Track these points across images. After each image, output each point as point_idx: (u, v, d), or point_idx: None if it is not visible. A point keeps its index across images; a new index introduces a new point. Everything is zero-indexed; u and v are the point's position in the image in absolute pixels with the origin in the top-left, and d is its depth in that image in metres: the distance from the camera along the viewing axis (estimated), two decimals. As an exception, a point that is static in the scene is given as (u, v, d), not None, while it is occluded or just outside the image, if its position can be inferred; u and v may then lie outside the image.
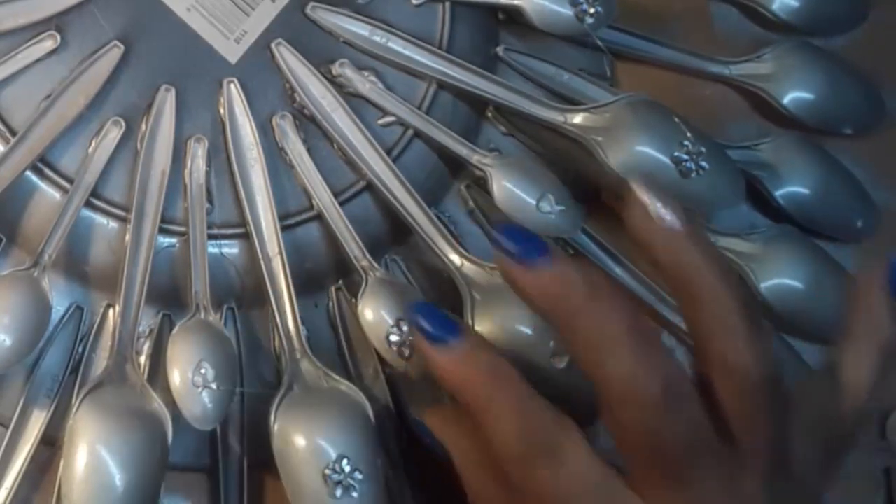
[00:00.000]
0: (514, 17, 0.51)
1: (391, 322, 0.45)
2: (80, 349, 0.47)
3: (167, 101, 0.47)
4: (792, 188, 0.53)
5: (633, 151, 0.47)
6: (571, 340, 0.39)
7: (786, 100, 0.53)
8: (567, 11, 0.50)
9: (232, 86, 0.48)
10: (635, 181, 0.40)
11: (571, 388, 0.45)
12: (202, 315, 0.45)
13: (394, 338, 0.45)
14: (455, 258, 0.47)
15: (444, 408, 0.45)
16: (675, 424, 0.38)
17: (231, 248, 0.47)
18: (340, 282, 0.49)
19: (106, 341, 0.46)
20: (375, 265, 0.47)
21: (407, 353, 0.45)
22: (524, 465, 0.39)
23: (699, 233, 0.40)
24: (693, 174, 0.47)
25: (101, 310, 0.47)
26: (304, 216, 0.48)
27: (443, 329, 0.41)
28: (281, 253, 0.46)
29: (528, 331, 0.45)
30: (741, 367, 0.39)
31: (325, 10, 0.49)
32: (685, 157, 0.47)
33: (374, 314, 0.45)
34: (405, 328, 0.45)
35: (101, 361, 0.46)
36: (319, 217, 0.48)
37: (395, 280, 0.48)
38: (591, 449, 0.39)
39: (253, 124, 0.47)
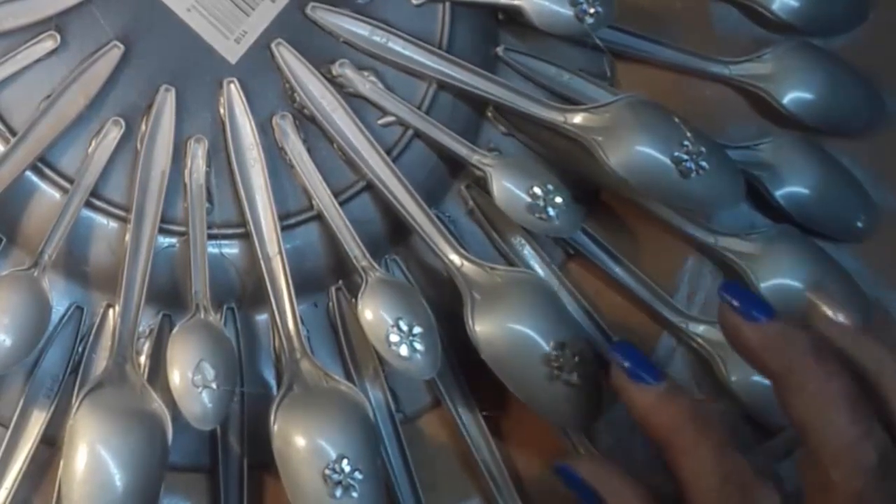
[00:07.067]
0: (514, 17, 0.51)
1: (391, 322, 0.45)
2: (80, 349, 0.47)
3: (167, 101, 0.47)
4: (792, 188, 0.53)
5: (633, 151, 0.47)
6: (791, 396, 0.40)
7: (786, 100, 0.53)
8: (567, 11, 0.50)
9: (232, 86, 0.48)
10: (812, 294, 0.43)
11: (571, 387, 0.45)
12: (202, 315, 0.45)
13: (393, 338, 0.45)
14: (455, 258, 0.47)
15: (593, 456, 0.46)
16: (884, 494, 0.38)
17: (231, 248, 0.47)
18: (340, 282, 0.49)
19: (106, 341, 0.46)
20: (375, 265, 0.47)
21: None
22: None
23: (874, 329, 0.42)
24: (693, 174, 0.47)
25: (101, 310, 0.47)
26: (304, 216, 0.48)
27: (644, 369, 0.42)
28: (281, 253, 0.46)
29: (528, 331, 0.45)
30: None
31: (325, 10, 0.49)
32: (685, 157, 0.47)
33: (374, 314, 0.45)
34: (405, 328, 0.45)
35: (101, 361, 0.46)
36: (319, 217, 0.48)
37: (395, 280, 0.48)
38: (783, 498, 0.40)
39: (253, 124, 0.47)
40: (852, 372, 0.40)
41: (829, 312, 0.42)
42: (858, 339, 0.41)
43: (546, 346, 0.45)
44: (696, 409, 0.41)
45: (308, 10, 0.49)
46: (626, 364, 0.42)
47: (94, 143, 0.46)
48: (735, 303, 0.41)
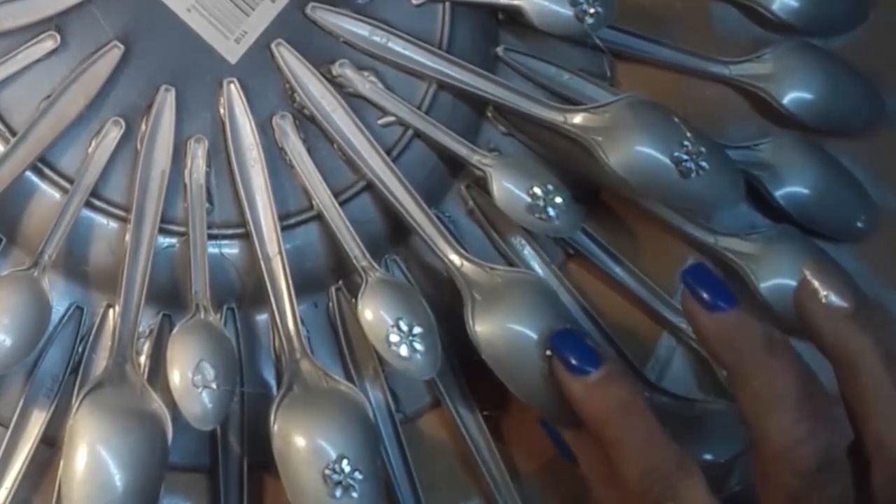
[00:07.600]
0: (514, 17, 0.51)
1: (391, 322, 0.45)
2: (80, 349, 0.47)
3: (167, 101, 0.47)
4: (792, 188, 0.53)
5: (633, 151, 0.47)
6: (739, 389, 0.40)
7: (786, 100, 0.53)
8: (567, 11, 0.50)
9: (232, 86, 0.48)
10: (807, 264, 0.41)
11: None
12: (202, 315, 0.45)
13: (393, 338, 0.45)
14: (455, 258, 0.47)
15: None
16: (820, 499, 0.38)
17: (231, 248, 0.47)
18: (340, 282, 0.49)
19: (106, 341, 0.46)
20: (375, 265, 0.47)
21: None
22: (643, 501, 0.39)
23: (867, 316, 0.40)
24: (693, 174, 0.47)
25: (101, 310, 0.47)
26: (304, 216, 0.48)
27: (582, 360, 0.42)
28: (281, 253, 0.46)
29: (527, 331, 0.45)
30: None
31: (325, 10, 0.49)
32: (685, 157, 0.47)
33: (374, 314, 0.45)
34: (405, 328, 0.45)
35: (101, 361, 0.46)
36: (319, 217, 0.48)
37: (395, 280, 0.48)
38: (710, 492, 0.39)
39: (253, 124, 0.47)
40: (808, 369, 0.39)
41: (821, 291, 0.40)
42: (843, 324, 0.40)
43: (545, 347, 0.45)
44: (625, 400, 0.41)
45: (308, 10, 0.49)
46: (569, 358, 0.42)
47: (94, 143, 0.46)
48: (696, 288, 0.41)
